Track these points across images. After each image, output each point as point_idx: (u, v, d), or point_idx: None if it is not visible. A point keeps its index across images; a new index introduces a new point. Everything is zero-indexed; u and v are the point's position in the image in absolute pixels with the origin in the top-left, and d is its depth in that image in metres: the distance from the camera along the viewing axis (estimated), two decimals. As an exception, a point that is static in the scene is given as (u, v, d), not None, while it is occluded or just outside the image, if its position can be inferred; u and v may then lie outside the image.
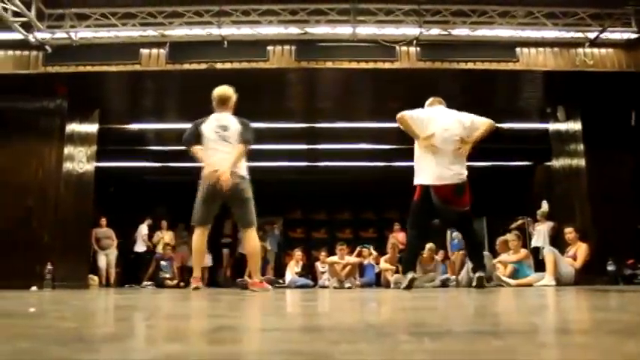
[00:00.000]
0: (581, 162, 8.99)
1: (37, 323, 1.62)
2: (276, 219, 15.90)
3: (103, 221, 11.90)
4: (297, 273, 11.24)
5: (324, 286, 10.10)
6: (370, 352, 0.96)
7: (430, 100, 6.27)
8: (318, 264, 11.47)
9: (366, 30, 8.40)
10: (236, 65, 8.54)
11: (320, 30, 8.42)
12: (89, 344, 1.10)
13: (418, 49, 8.52)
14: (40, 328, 1.45)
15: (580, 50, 8.51)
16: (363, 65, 8.58)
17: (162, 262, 11.57)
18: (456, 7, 8.22)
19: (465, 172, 5.81)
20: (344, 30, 8.40)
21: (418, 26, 8.24)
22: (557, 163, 9.92)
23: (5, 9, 7.59)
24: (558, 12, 8.20)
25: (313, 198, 16.06)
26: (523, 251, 8.68)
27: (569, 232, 8.30)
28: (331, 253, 10.88)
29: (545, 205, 11.08)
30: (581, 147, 9.00)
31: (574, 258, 7.99)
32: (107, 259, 11.77)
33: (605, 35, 8.33)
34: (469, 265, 8.90)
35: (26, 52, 8.59)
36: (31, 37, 8.25)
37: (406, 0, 8.20)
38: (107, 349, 1.01)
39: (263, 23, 8.28)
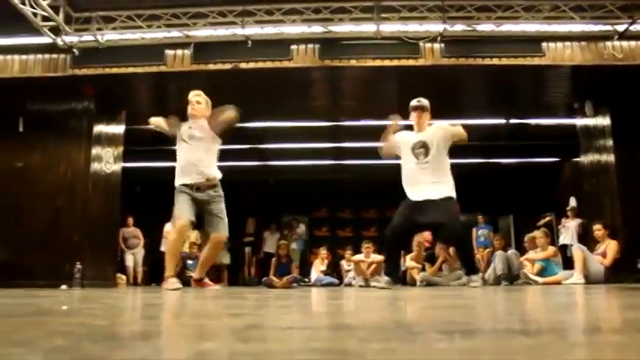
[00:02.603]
0: (611, 158, 8.82)
1: (71, 321, 1.65)
2: (302, 217, 15.97)
3: (130, 221, 12.03)
4: (322, 271, 11.25)
5: (349, 285, 10.09)
6: (403, 351, 0.95)
7: None
8: (343, 262, 11.46)
9: (390, 27, 8.37)
10: (260, 65, 8.58)
11: (343, 28, 8.42)
12: (122, 342, 1.12)
13: (442, 45, 8.46)
14: (73, 325, 1.48)
15: (608, 43, 8.36)
16: (387, 63, 8.55)
17: (189, 261, 11.65)
18: (480, 3, 8.15)
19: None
20: (367, 27, 8.38)
21: (442, 22, 8.18)
22: (585, 159, 9.76)
23: (35, 14, 7.73)
24: (585, 5, 8.07)
25: (338, 196, 16.06)
26: (551, 249, 8.57)
27: (598, 229, 8.18)
28: (357, 251, 10.87)
29: (572, 202, 10.94)
30: (610, 142, 8.84)
31: (603, 255, 7.86)
32: (134, 258, 11.90)
33: (635, 27, 8.17)
34: (495, 262, 8.83)
35: (55, 56, 8.75)
36: (59, 41, 8.40)
37: (430, -4, 8.16)
38: (140, 347, 1.02)
39: (286, 22, 8.30)
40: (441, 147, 5.82)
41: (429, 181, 5.73)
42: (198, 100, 6.01)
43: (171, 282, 5.39)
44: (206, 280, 5.99)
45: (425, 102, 6.04)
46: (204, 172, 5.65)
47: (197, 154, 5.70)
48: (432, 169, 5.76)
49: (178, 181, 5.69)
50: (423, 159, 5.80)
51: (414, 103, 6.06)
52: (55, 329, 1.36)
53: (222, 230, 5.67)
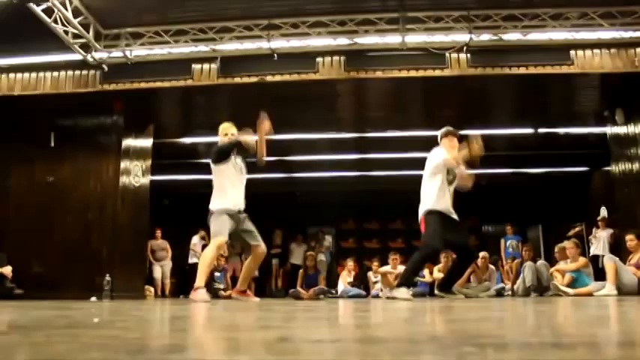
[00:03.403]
0: (643, 166, 8.66)
1: (104, 333, 1.67)
2: (328, 229, 15.94)
3: (158, 233, 12.14)
4: (349, 283, 11.20)
5: (376, 296, 10.04)
6: (436, 364, 0.95)
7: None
8: (370, 274, 11.41)
9: (416, 38, 8.36)
10: (286, 77, 8.63)
11: (369, 40, 8.43)
12: (156, 355, 1.13)
13: (469, 55, 8.41)
14: (107, 338, 1.50)
15: (639, 50, 8.23)
16: (413, 73, 8.52)
17: (216, 273, 11.69)
18: (506, 12, 8.09)
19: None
20: (393, 39, 8.38)
21: (468, 32, 8.15)
22: (616, 168, 9.59)
23: (66, 32, 7.91)
24: (615, 11, 7.95)
25: (365, 208, 16.03)
26: (582, 259, 8.41)
27: (631, 240, 7.99)
28: (383, 262, 10.81)
29: (603, 212, 10.75)
30: (642, 151, 8.68)
31: (637, 266, 7.68)
32: (162, 270, 11.99)
33: (667, 34, 8.02)
34: (525, 273, 8.71)
35: (85, 72, 8.93)
36: (89, 57, 8.58)
37: (455, 6, 8.12)
38: (174, 360, 1.03)
39: (312, 35, 8.35)
40: None
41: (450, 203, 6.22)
42: (232, 132, 6.14)
43: (201, 293, 5.55)
44: (248, 291, 6.42)
45: None
46: (242, 203, 6.00)
47: (241, 186, 6.05)
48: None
49: (224, 204, 5.85)
50: (450, 182, 6.24)
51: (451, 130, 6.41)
52: (89, 342, 1.38)
53: (262, 241, 6.06)
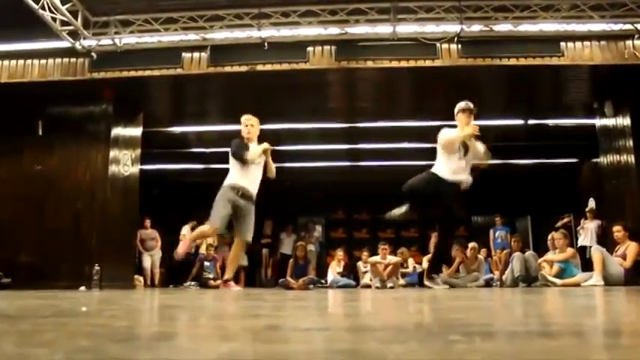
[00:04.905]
0: (631, 158, 8.69)
1: (92, 322, 1.67)
2: (318, 219, 15.95)
3: (148, 223, 12.09)
4: (338, 273, 11.23)
5: (366, 286, 10.07)
6: (423, 352, 0.95)
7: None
8: (360, 264, 11.44)
9: (407, 28, 8.34)
10: (276, 67, 8.58)
11: (360, 29, 8.41)
12: (145, 343, 1.13)
13: (459, 46, 8.41)
14: (95, 326, 1.49)
15: (629, 42, 8.24)
16: (403, 64, 8.51)
17: (206, 263, 11.70)
18: (497, 3, 8.09)
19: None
20: (384, 29, 8.36)
21: (459, 23, 8.14)
22: (605, 159, 9.64)
23: (54, 19, 7.83)
24: (605, 4, 7.97)
25: (355, 198, 16.03)
26: (570, 250, 8.47)
27: (618, 231, 8.06)
28: (373, 252, 10.84)
29: (591, 203, 10.82)
30: (630, 143, 8.70)
31: (623, 257, 7.75)
32: (152, 259, 11.96)
33: (656, 26, 8.05)
34: (513, 264, 8.76)
35: (73, 60, 8.84)
36: (77, 45, 8.49)
37: (446, -3, 8.12)
38: (162, 348, 1.03)
39: (302, 24, 8.31)
40: None
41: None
42: (251, 123, 6.53)
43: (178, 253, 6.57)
44: (231, 282, 6.72)
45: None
46: (253, 190, 6.49)
47: (254, 174, 6.49)
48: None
49: (232, 181, 6.38)
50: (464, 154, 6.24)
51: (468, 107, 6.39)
52: (76, 330, 1.37)
53: (247, 236, 6.61)
